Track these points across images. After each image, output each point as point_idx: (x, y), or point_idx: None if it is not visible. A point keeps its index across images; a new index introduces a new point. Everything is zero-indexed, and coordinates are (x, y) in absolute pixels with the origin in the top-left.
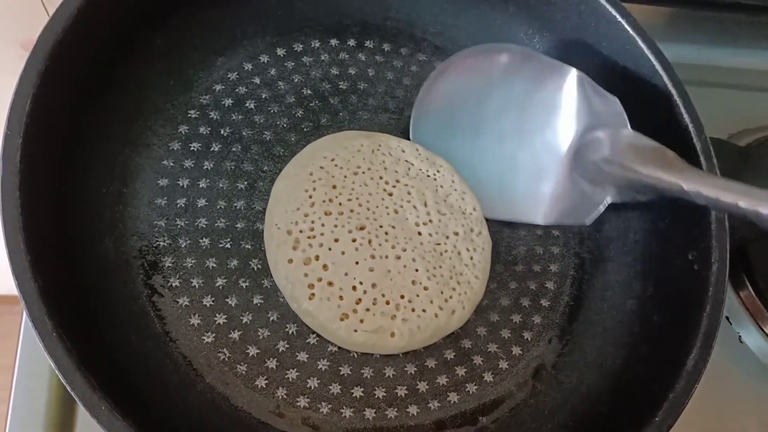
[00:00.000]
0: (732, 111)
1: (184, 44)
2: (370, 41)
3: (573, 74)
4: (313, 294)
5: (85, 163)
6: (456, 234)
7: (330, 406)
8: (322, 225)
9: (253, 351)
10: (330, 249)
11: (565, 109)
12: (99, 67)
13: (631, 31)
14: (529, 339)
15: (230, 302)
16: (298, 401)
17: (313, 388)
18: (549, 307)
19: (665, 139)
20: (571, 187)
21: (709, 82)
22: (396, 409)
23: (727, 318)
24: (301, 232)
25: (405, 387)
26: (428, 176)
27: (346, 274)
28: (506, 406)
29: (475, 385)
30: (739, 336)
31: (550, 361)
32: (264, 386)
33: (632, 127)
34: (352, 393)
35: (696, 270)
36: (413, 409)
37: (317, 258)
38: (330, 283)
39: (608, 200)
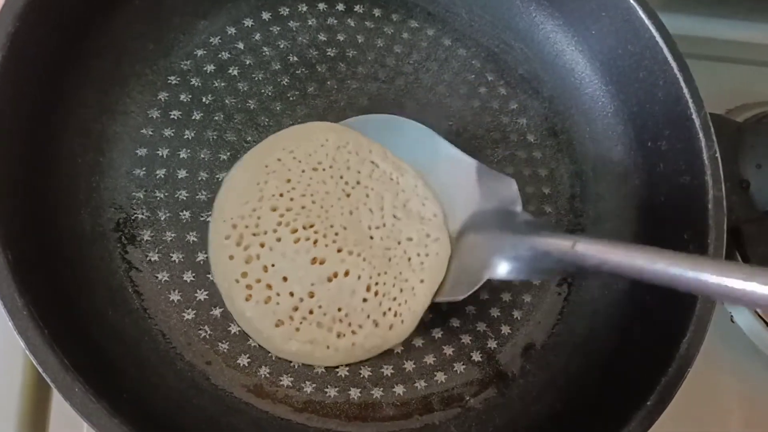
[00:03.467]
0: (730, 85)
1: (165, 6)
2: (359, 6)
3: (471, 164)
4: (250, 295)
5: (59, 132)
6: (409, 239)
7: (314, 385)
8: (267, 222)
9: (235, 328)
10: (271, 249)
11: (460, 194)
12: (74, 30)
13: (631, 1)
14: (519, 318)
15: (211, 278)
16: (281, 380)
17: (297, 366)
18: (539, 286)
19: (663, 114)
20: (454, 266)
21: (707, 55)
22: (382, 389)
23: None
24: (246, 227)
25: (391, 366)
26: (391, 179)
27: (285, 279)
28: (494, 386)
29: (462, 364)
30: (731, 316)
31: (539, 340)
32: (246, 365)
33: (626, 100)
34: (337, 372)
35: (691, 251)
36: (399, 389)
37: (258, 257)
38: (269, 286)
39: (487, 277)
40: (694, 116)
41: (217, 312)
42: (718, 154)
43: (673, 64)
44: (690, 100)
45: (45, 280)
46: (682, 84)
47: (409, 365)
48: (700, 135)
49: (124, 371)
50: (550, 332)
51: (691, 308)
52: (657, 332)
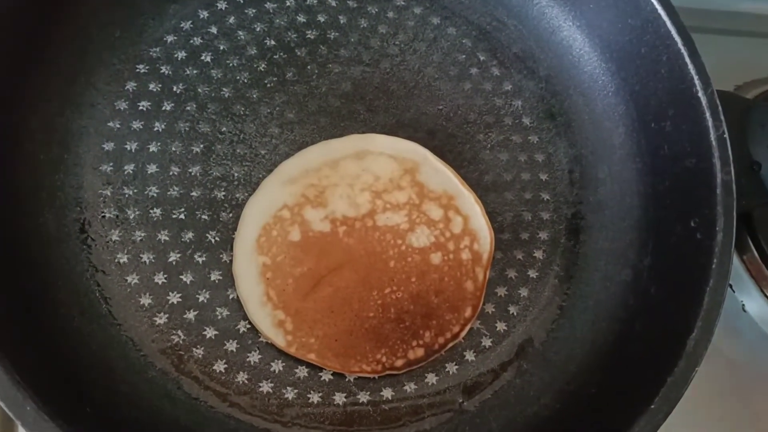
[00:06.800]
0: (738, 60)
1: None
2: None
3: None
4: None
5: (19, 127)
6: None
7: (296, 391)
8: None
9: (210, 333)
10: None
11: None
12: (34, 17)
13: None
14: (515, 314)
15: (185, 279)
16: (260, 386)
17: (277, 372)
18: (537, 279)
19: (667, 92)
20: None
21: (713, 29)
22: (368, 393)
23: (730, 285)
24: None
25: None
26: None
27: None
28: (489, 387)
29: (455, 364)
30: (743, 304)
31: (537, 337)
32: (223, 371)
33: (627, 78)
34: (321, 376)
35: (698, 239)
36: (387, 393)
37: None
38: None
39: None
40: (701, 94)
41: (191, 315)
42: (726, 135)
43: (677, 38)
44: (696, 77)
45: (3, 286)
46: (687, 59)
47: None
48: (707, 114)
49: (89, 383)
50: (549, 328)
51: (698, 301)
52: (661, 327)
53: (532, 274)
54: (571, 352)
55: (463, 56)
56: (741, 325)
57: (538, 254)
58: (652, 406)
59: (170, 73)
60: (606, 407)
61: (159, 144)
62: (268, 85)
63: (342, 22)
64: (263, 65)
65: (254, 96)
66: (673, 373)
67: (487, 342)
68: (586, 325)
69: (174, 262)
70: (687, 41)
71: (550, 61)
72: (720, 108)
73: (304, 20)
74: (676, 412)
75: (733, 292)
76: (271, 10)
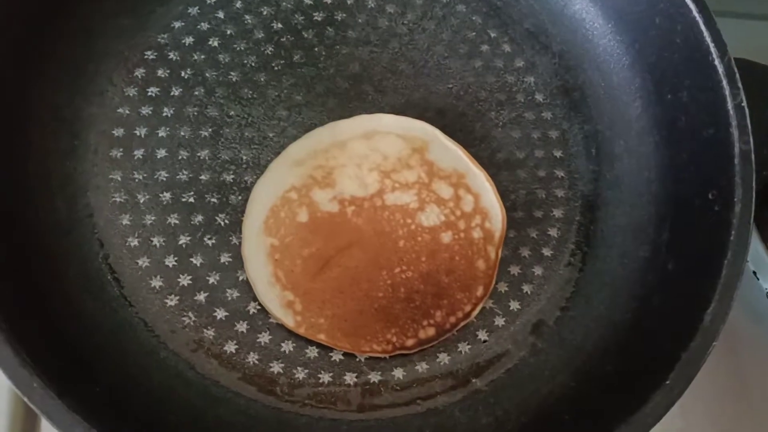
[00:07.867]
0: (760, 43)
1: None
2: None
3: None
4: None
5: (29, 116)
6: None
7: (306, 371)
8: None
9: (221, 314)
10: None
11: None
12: (42, 7)
13: None
14: (529, 292)
15: (195, 262)
16: (271, 366)
17: (287, 352)
18: (551, 257)
19: (683, 62)
20: None
21: (734, 12)
22: (380, 373)
23: (754, 273)
24: None
25: None
26: None
27: None
28: (502, 367)
29: (467, 344)
30: (767, 292)
31: (552, 316)
32: (234, 351)
33: (642, 50)
34: (331, 357)
35: (716, 211)
36: (399, 373)
37: None
38: None
39: None
40: (717, 62)
41: (201, 297)
42: (744, 103)
43: (692, 6)
44: (711, 44)
45: (14, 270)
46: (703, 27)
47: None
48: (724, 82)
49: (101, 364)
50: (564, 307)
51: (716, 275)
52: (679, 303)
53: (547, 252)
54: (586, 330)
55: (473, 33)
56: (763, 311)
57: (553, 232)
58: (668, 382)
59: (178, 58)
60: (622, 385)
61: (168, 129)
62: (276, 68)
63: (349, 2)
64: (270, 48)
65: (262, 79)
66: (688, 348)
67: (500, 321)
68: (602, 303)
69: (184, 245)
70: (702, 9)
71: (563, 36)
72: (737, 75)
73: (311, 2)
74: (696, 399)
75: (758, 279)
76: None
